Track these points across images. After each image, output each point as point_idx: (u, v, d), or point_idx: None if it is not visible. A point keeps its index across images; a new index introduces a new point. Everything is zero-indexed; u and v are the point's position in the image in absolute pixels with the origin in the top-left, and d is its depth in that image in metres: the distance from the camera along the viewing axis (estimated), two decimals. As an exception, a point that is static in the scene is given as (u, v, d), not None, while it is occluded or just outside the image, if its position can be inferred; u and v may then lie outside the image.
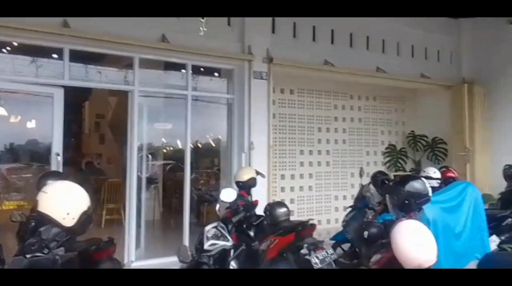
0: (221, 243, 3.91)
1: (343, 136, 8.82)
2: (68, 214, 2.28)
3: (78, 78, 6.21)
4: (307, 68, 6.96)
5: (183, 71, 6.38)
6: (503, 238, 4.43)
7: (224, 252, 3.90)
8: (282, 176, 8.09)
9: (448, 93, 8.53)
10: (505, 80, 7.98)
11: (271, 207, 4.54)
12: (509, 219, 4.81)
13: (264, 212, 4.58)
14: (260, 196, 5.56)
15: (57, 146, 5.30)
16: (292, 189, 8.17)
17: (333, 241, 5.83)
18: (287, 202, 7.74)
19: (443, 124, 8.67)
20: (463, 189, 3.89)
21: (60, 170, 5.10)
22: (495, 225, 4.62)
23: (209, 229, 3.99)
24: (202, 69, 6.82)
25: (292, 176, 8.21)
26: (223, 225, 4.06)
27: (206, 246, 3.86)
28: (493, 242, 4.34)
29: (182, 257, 3.73)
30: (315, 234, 4.46)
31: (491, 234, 4.29)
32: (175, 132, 9.61)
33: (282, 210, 4.40)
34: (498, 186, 6.26)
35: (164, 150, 11.31)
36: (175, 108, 7.42)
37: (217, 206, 4.55)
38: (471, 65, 8.54)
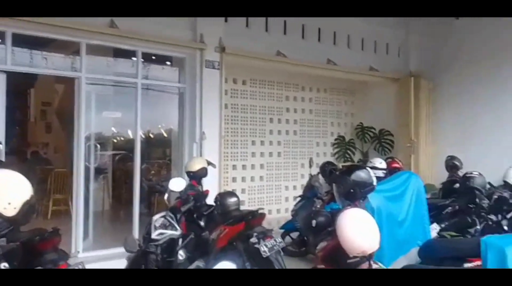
0: (169, 232, 3.85)
1: (294, 127, 8.94)
2: (9, 203, 2.24)
3: (22, 64, 5.91)
4: (259, 58, 6.96)
5: (134, 58, 6.17)
6: (443, 225, 4.66)
7: (172, 242, 3.85)
8: (234, 167, 8.09)
9: (396, 86, 8.83)
10: (450, 75, 8.31)
11: (221, 196, 4.52)
12: (449, 208, 5.07)
13: (215, 202, 4.56)
14: (212, 186, 5.54)
15: (-1, 134, 5.02)
16: (243, 179, 8.20)
17: (282, 230, 5.93)
18: (238, 192, 7.78)
19: (390, 116, 9.00)
20: (406, 179, 4.06)
21: (2, 159, 4.93)
22: (436, 214, 4.87)
23: (157, 218, 3.92)
24: (153, 57, 6.64)
25: (244, 167, 8.23)
26: (171, 215, 4.00)
27: (154, 235, 3.79)
28: (434, 229, 4.57)
29: (129, 247, 3.65)
30: (265, 224, 4.49)
31: (432, 222, 4.53)
32: (125, 121, 9.35)
33: (232, 199, 4.39)
34: (441, 176, 6.59)
35: (115, 140, 10.99)
36: (125, 96, 7.21)
37: (166, 196, 4.48)
38: (418, 59, 8.84)
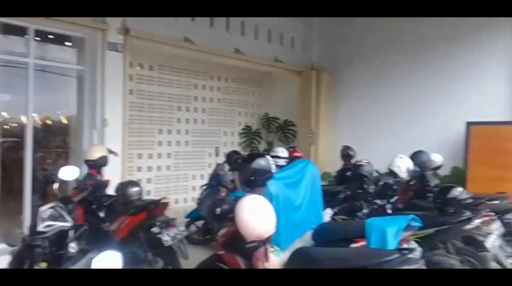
0: (58, 224, 3.60)
1: (202, 116, 8.92)
2: None
3: None
4: (166, 43, 6.77)
5: (27, 36, 5.63)
6: (335, 210, 5.02)
7: (62, 234, 3.61)
8: (139, 156, 7.84)
9: (299, 78, 9.24)
10: (350, 70, 8.89)
11: (123, 186, 4.37)
12: (342, 194, 5.47)
13: (116, 191, 4.39)
14: (114, 176, 5.33)
15: None
16: (149, 168, 8.00)
17: (188, 219, 5.92)
18: (144, 182, 7.63)
19: (293, 107, 9.40)
20: (303, 166, 4.27)
21: None
22: (330, 199, 5.21)
23: (45, 209, 3.63)
24: (51, 36, 6.10)
25: (150, 156, 8.02)
26: (62, 205, 3.73)
27: (41, 227, 3.52)
28: (328, 214, 4.89)
29: (12, 240, 3.36)
30: (171, 213, 4.46)
31: (326, 207, 4.85)
32: (18, 105, 8.50)
33: (134, 189, 4.26)
34: (338, 165, 7.05)
35: (6, 126, 9.94)
36: (17, 78, 6.54)
37: (56, 185, 4.16)
38: (320, 53, 9.32)
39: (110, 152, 5.17)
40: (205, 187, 6.07)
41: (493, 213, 4.32)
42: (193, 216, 5.95)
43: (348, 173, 5.70)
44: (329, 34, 9.17)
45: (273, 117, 9.75)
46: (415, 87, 7.89)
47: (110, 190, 4.74)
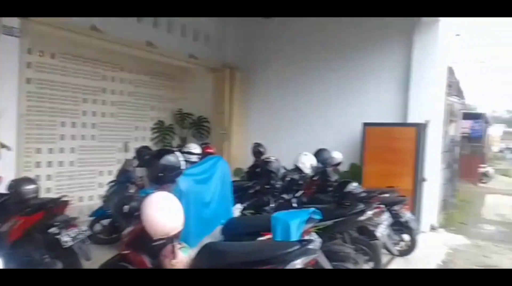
0: None
1: (111, 109, 8.53)
2: None
3: None
4: (71, 30, 6.32)
5: None
6: (245, 205, 5.15)
7: None
8: (38, 150, 7.27)
9: (213, 75, 9.25)
10: (263, 69, 9.08)
11: (16, 183, 4.02)
12: (251, 189, 5.62)
13: (9, 189, 4.02)
14: (8, 172, 4.85)
15: None
16: (49, 164, 7.46)
17: (92, 218, 5.63)
18: (42, 179, 7.08)
19: (208, 104, 9.40)
20: (214, 163, 4.30)
21: None
22: (241, 195, 5.33)
23: None
24: None
25: (51, 150, 7.48)
26: None
27: None
28: (238, 209, 4.99)
29: None
30: (74, 212, 4.20)
31: (236, 203, 4.95)
32: None
33: (30, 187, 3.95)
34: (250, 161, 7.20)
35: None
36: None
37: None
38: (235, 52, 9.37)
39: (3, 146, 4.73)
40: (112, 183, 5.81)
41: (383, 205, 4.80)
42: (98, 215, 5.66)
43: (258, 169, 5.86)
44: (244, 33, 9.28)
45: (187, 113, 9.65)
46: (321, 89, 8.32)
47: (2, 188, 4.32)
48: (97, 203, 7.34)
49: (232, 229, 3.91)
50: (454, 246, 6.51)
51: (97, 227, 5.60)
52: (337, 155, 6.91)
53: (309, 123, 8.39)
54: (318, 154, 6.35)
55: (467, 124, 15.99)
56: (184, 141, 9.33)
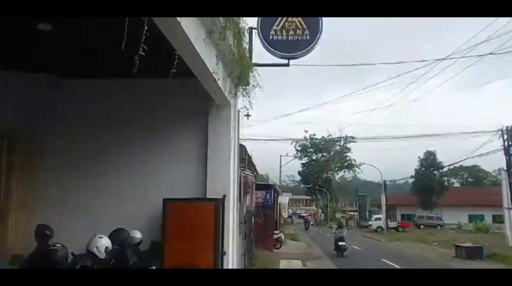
0: None
1: None
2: None
3: None
4: None
5: None
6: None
7: None
8: None
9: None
10: (56, 140, 7.96)
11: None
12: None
13: None
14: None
15: None
16: None
17: None
18: None
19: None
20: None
21: None
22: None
23: None
24: None
25: None
26: None
27: None
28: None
29: None
30: None
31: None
32: None
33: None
34: (32, 245, 6.04)
35: None
36: None
37: None
38: (18, 119, 8.00)
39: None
40: None
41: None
42: None
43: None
44: (31, 100, 8.06)
45: None
46: (119, 165, 7.87)
47: None
48: None
49: None
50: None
51: None
52: (136, 234, 6.56)
53: (105, 200, 7.60)
54: (114, 235, 5.86)
55: (260, 194, 17.74)
56: None
